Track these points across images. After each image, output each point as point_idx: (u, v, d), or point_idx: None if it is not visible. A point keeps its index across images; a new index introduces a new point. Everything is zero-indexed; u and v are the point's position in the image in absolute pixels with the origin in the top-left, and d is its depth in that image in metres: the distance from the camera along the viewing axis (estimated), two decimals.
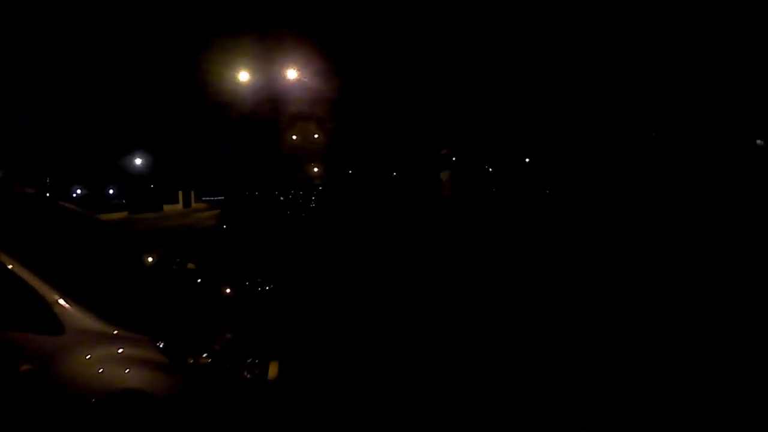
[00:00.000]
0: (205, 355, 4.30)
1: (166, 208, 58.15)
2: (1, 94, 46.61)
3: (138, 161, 59.37)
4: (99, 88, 50.35)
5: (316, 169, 77.03)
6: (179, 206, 61.25)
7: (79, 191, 67.92)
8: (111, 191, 66.61)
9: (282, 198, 32.45)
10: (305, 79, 42.32)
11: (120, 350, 4.14)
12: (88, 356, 4.10)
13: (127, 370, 4.11)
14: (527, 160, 42.72)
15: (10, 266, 4.24)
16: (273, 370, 4.78)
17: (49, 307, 4.13)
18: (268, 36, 41.08)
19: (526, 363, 6.34)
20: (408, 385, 5.68)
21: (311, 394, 5.51)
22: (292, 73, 43.04)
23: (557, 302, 8.98)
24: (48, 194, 61.34)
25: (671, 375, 5.78)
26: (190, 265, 6.48)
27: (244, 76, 37.00)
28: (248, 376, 4.54)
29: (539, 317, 8.20)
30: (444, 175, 38.93)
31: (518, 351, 6.73)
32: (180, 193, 61.95)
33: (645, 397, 5.22)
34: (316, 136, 58.60)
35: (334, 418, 4.98)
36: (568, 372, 5.97)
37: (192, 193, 63.28)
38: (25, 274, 4.22)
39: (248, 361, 4.63)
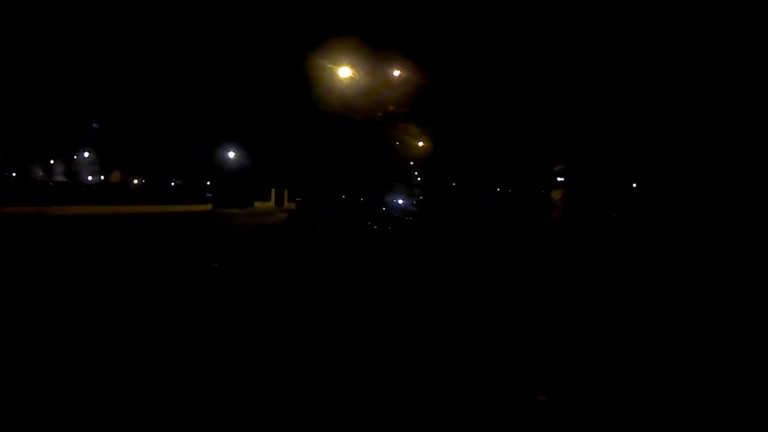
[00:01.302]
0: None
1: (258, 204, 57.36)
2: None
3: (231, 155, 58.07)
4: (200, 83, 50.42)
5: (418, 178, 73.44)
6: (271, 203, 60.66)
7: (173, 183, 68.95)
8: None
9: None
10: (409, 77, 39.26)
11: None
12: None
13: None
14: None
15: None
16: None
17: None
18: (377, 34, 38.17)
19: None
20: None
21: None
22: (396, 72, 40.18)
23: None
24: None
25: None
26: None
27: (345, 72, 34.71)
28: None
29: None
30: (556, 195, 33.85)
31: None
32: (273, 191, 61.13)
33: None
34: (420, 143, 55.24)
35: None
36: None
37: (285, 192, 61.85)
38: None
39: None
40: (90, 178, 66.02)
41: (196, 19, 47.87)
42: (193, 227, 26.64)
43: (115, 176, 68.84)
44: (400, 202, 73.20)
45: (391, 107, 43.63)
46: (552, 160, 35.03)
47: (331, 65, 34.65)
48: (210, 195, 56.08)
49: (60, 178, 63.87)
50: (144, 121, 55.21)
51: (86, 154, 63.90)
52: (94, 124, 60.24)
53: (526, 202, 39.68)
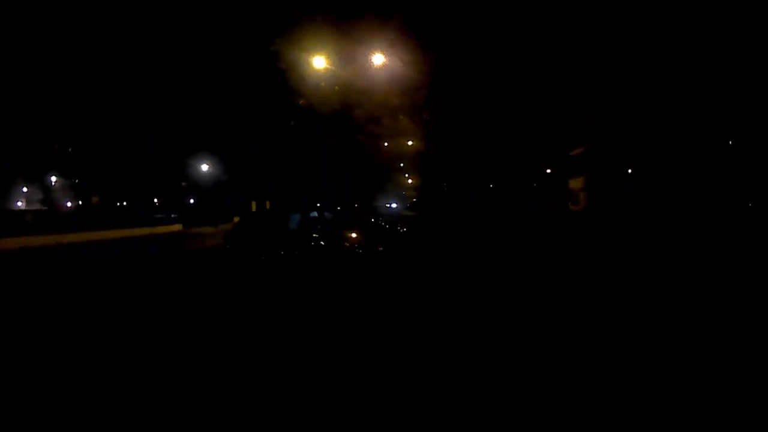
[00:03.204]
0: None
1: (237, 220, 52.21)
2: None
3: (205, 168, 53.63)
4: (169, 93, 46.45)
5: (410, 180, 68.55)
6: None
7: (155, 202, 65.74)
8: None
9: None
10: (395, 66, 34.34)
11: None
12: None
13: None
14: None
15: None
16: None
17: None
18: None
19: None
20: None
21: None
22: (378, 59, 34.87)
23: None
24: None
25: None
26: None
27: (319, 62, 30.44)
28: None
29: None
30: (575, 184, 28.98)
31: None
32: (253, 204, 56.28)
33: None
34: (410, 143, 50.42)
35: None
36: None
37: (267, 204, 56.99)
38: None
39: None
40: (69, 203, 63.03)
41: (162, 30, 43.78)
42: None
43: (95, 200, 64.84)
44: (394, 206, 68.98)
45: (376, 102, 38.79)
46: (566, 143, 30.16)
47: (304, 54, 30.85)
48: (174, 215, 52.30)
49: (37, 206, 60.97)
50: (111, 139, 51.40)
51: (53, 179, 59.71)
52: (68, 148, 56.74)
53: (526, 201, 34.91)
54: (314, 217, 35.49)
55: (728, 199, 23.16)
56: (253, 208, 55.66)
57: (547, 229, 25.34)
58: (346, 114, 39.53)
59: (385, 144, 49.70)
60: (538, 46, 28.98)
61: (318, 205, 42.14)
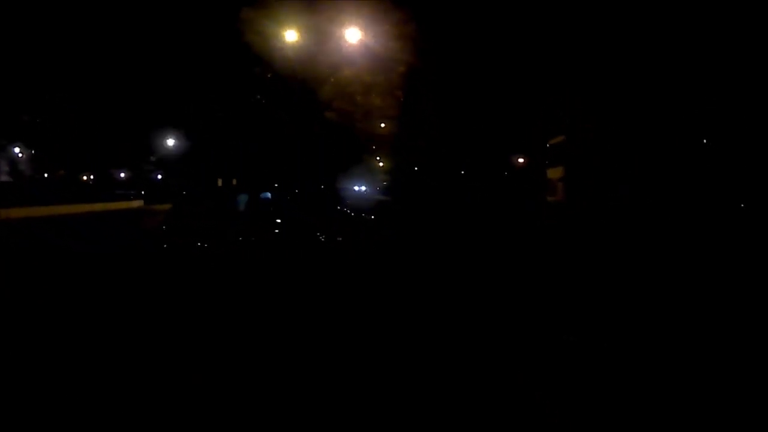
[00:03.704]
0: None
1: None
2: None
3: (171, 143, 51.86)
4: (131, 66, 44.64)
5: (381, 163, 67.19)
6: None
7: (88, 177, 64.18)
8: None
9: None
10: (370, 43, 32.83)
11: None
12: None
13: None
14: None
15: None
16: None
17: None
18: None
19: None
20: None
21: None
22: (354, 35, 33.00)
23: None
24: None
25: None
26: None
27: (291, 36, 29.10)
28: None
29: None
30: (554, 173, 27.99)
31: None
32: (219, 182, 54.91)
33: None
34: (382, 125, 49.00)
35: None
36: None
37: (234, 181, 55.68)
38: None
39: None
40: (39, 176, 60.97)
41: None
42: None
43: (61, 173, 63.17)
44: (363, 188, 67.42)
45: (348, 78, 37.26)
46: (544, 133, 29.10)
47: (275, 25, 29.28)
48: (132, 192, 50.92)
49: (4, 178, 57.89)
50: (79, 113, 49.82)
51: (17, 150, 57.61)
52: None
53: (524, 200, 33.25)
54: (266, 198, 31.40)
55: (712, 190, 22.69)
56: (219, 185, 54.53)
57: (546, 229, 23.32)
58: (316, 90, 38.08)
59: (357, 124, 48.44)
60: (519, 31, 27.92)
61: (276, 185, 39.09)
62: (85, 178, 64.27)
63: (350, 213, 30.00)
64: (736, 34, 22.97)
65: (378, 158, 66.36)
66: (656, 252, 16.16)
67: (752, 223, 20.72)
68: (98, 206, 37.73)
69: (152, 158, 57.89)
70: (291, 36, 29.25)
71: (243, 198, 27.22)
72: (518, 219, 25.18)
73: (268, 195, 32.69)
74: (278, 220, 20.36)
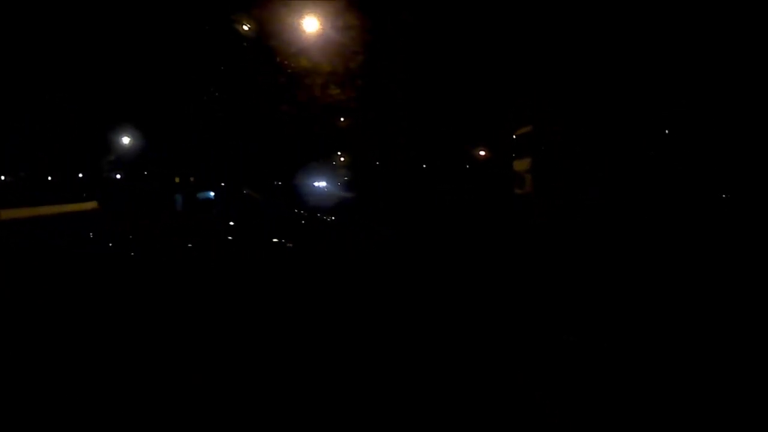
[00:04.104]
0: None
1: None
2: None
3: (126, 141, 50.73)
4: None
5: (342, 158, 66.44)
6: None
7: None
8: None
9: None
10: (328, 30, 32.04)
11: None
12: None
13: None
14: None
15: None
16: None
17: None
18: None
19: None
20: None
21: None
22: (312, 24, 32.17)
23: None
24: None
25: None
26: None
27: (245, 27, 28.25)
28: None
29: None
30: (521, 165, 27.76)
31: None
32: (176, 180, 53.81)
33: None
34: (342, 119, 48.35)
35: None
36: None
37: (191, 180, 54.67)
38: None
39: None
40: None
41: None
42: None
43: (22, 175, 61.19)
44: (323, 184, 66.64)
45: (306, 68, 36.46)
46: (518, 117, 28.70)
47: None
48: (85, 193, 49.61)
49: None
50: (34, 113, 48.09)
51: None
52: None
53: (513, 197, 32.44)
54: (206, 198, 28.61)
55: (685, 184, 22.71)
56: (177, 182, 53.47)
57: (537, 228, 22.66)
58: (271, 81, 37.23)
59: (315, 116, 47.68)
60: (485, 19, 27.49)
61: (222, 184, 36.93)
62: (48, 179, 60.66)
63: (303, 213, 26.30)
64: (707, 32, 23.14)
65: (338, 153, 65.84)
66: (629, 249, 16.04)
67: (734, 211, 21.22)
68: (53, 209, 36.32)
69: (111, 158, 57.11)
70: (245, 27, 28.54)
71: (179, 198, 25.15)
72: (505, 217, 25.07)
73: (210, 194, 29.91)
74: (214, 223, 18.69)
